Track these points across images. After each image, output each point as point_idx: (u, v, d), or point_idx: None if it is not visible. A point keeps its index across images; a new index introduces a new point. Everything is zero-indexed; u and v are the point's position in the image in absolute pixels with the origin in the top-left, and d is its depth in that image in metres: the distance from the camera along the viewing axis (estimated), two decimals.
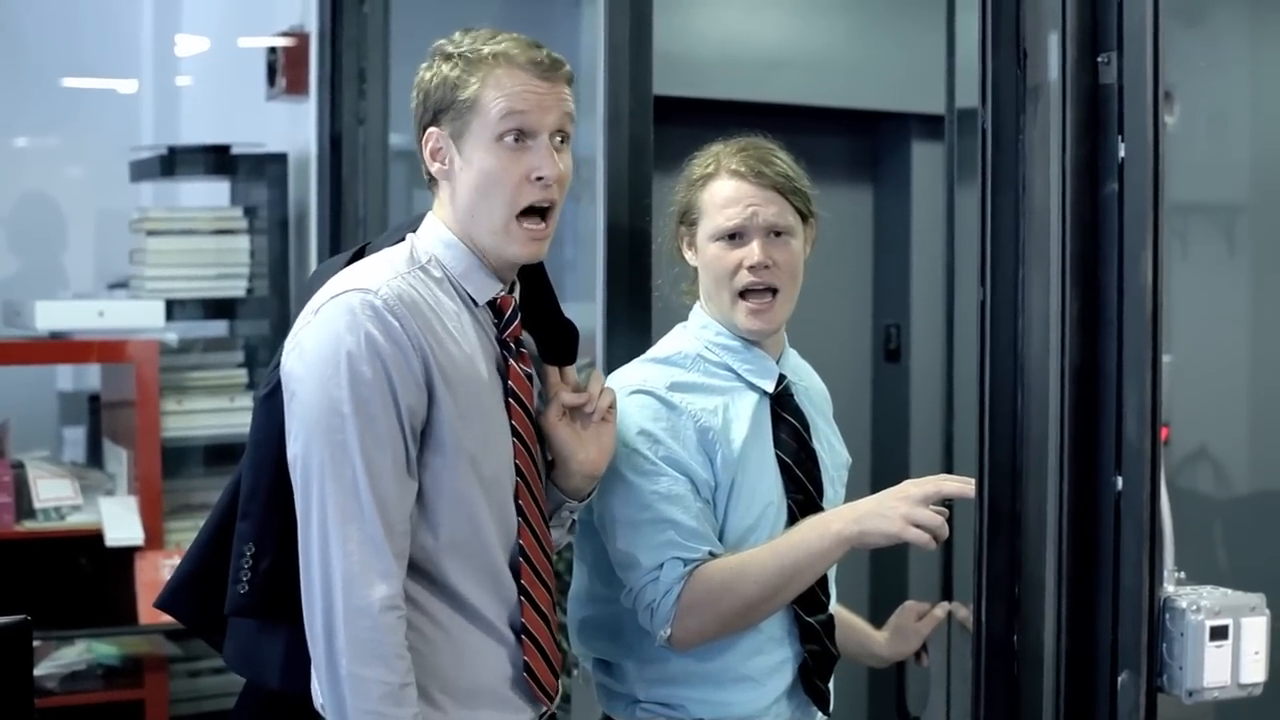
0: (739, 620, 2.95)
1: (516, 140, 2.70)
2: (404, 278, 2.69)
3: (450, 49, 2.76)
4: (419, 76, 2.79)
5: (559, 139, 2.75)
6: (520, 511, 2.76)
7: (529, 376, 2.81)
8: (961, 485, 2.81)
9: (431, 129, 2.76)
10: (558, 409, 2.85)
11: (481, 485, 2.70)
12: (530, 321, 2.89)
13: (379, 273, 2.69)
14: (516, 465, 2.76)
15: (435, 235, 2.78)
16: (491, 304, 2.79)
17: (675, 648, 2.94)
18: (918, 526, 2.82)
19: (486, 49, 2.73)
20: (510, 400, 2.77)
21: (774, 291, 3.05)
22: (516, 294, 2.84)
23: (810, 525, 2.94)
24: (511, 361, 2.78)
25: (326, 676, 2.60)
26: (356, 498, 2.59)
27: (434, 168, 2.77)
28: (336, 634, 2.58)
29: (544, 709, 2.83)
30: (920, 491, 2.84)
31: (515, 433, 2.76)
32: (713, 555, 2.94)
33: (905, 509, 2.83)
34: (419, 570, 2.68)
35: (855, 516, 2.88)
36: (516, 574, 2.76)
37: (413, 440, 2.64)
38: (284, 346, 2.71)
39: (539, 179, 2.70)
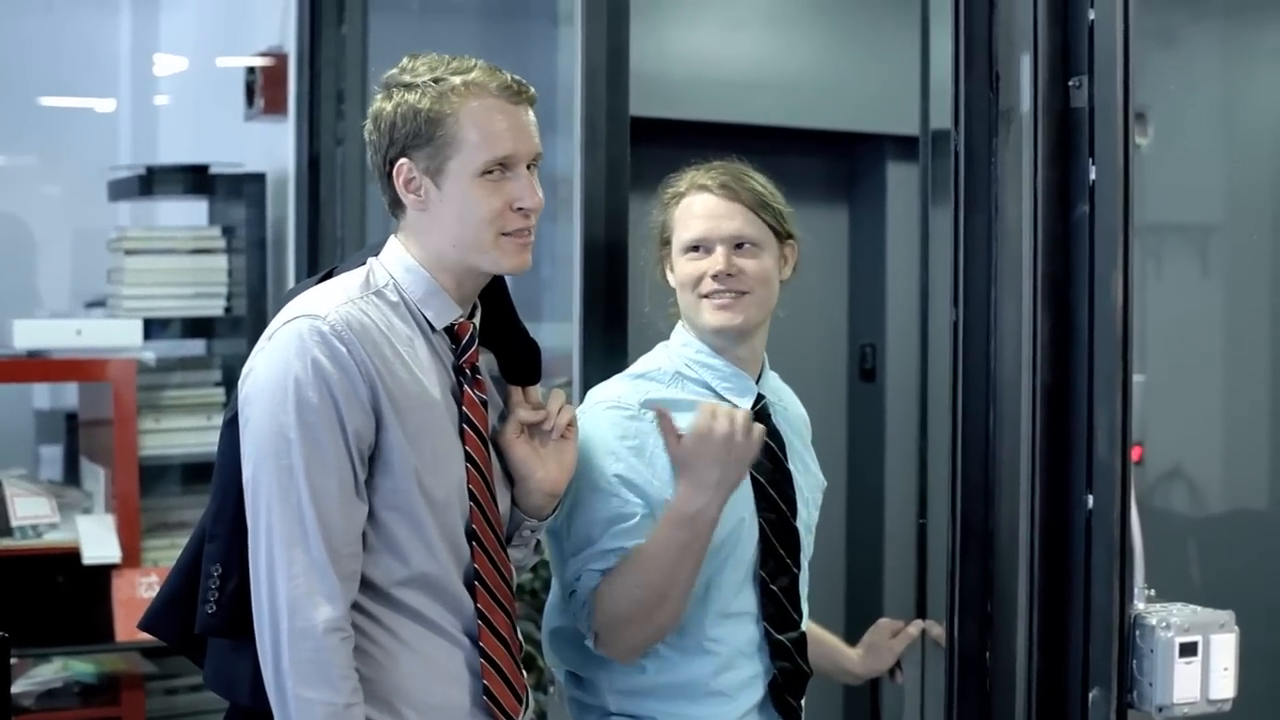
0: (649, 620, 2.93)
1: (497, 171, 2.71)
2: (355, 303, 2.70)
3: (409, 79, 2.73)
4: (377, 108, 2.75)
5: (532, 165, 2.76)
6: (475, 536, 2.77)
7: (483, 403, 2.82)
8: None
9: (403, 161, 2.73)
10: (515, 426, 2.86)
11: (431, 508, 2.71)
12: (493, 341, 2.90)
13: (330, 299, 2.70)
14: (470, 490, 2.76)
15: (397, 260, 2.78)
16: (449, 330, 2.80)
17: (619, 661, 2.96)
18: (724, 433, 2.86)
19: (455, 79, 2.71)
20: (464, 426, 2.78)
21: (741, 292, 3.06)
22: (477, 319, 2.85)
23: (670, 519, 2.95)
24: (466, 387, 2.79)
25: (275, 697, 2.62)
26: (301, 521, 2.61)
27: (408, 199, 2.75)
28: (282, 655, 2.60)
29: None
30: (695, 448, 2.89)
31: (469, 458, 2.77)
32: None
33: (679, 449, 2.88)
34: (378, 590, 2.70)
35: (685, 496, 2.89)
36: (473, 598, 2.78)
37: (361, 464, 2.65)
38: (242, 372, 2.73)
39: (520, 209, 2.72)
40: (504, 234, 2.72)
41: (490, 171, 2.70)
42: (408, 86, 2.73)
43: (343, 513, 2.62)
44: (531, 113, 2.76)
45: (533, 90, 2.77)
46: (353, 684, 2.61)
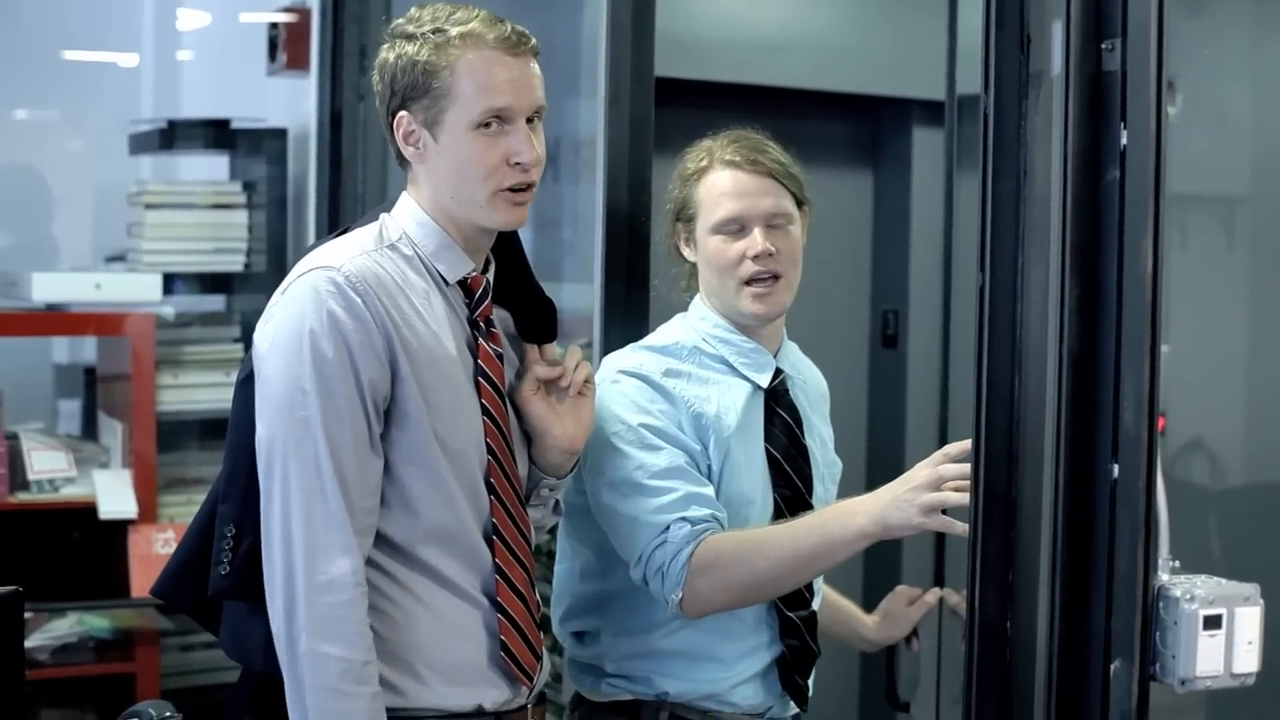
0: (748, 593, 2.94)
1: (493, 124, 2.69)
2: (370, 255, 2.69)
3: (411, 29, 2.74)
4: (381, 58, 2.77)
5: (534, 118, 2.74)
6: (493, 489, 2.76)
7: (499, 356, 2.80)
8: (960, 466, 2.79)
9: (402, 113, 2.74)
10: (532, 383, 2.85)
11: (449, 460, 2.70)
12: (509, 299, 2.88)
13: (345, 251, 2.70)
14: (488, 443, 2.75)
15: (408, 214, 2.78)
16: (462, 283, 2.78)
17: (685, 614, 2.93)
18: (941, 511, 2.81)
19: (454, 30, 2.70)
20: (480, 379, 2.76)
21: (777, 277, 3.05)
22: (490, 274, 2.84)
23: (834, 513, 2.93)
24: (481, 341, 2.77)
25: (286, 653, 2.60)
26: (318, 475, 2.59)
27: (408, 151, 2.76)
28: (297, 611, 2.59)
29: (525, 690, 2.82)
30: (928, 475, 2.82)
31: (485, 411, 2.76)
32: (717, 519, 2.93)
33: (921, 498, 2.81)
34: (396, 548, 2.69)
35: (877, 512, 2.85)
36: (491, 553, 2.76)
37: (376, 416, 2.64)
38: (257, 326, 2.72)
39: (518, 164, 2.70)
40: (501, 190, 2.70)
41: (487, 124, 2.68)
42: (409, 37, 2.73)
43: (359, 465, 2.61)
44: (534, 65, 2.75)
45: (534, 41, 2.75)
46: (368, 641, 2.60)
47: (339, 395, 2.60)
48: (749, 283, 3.03)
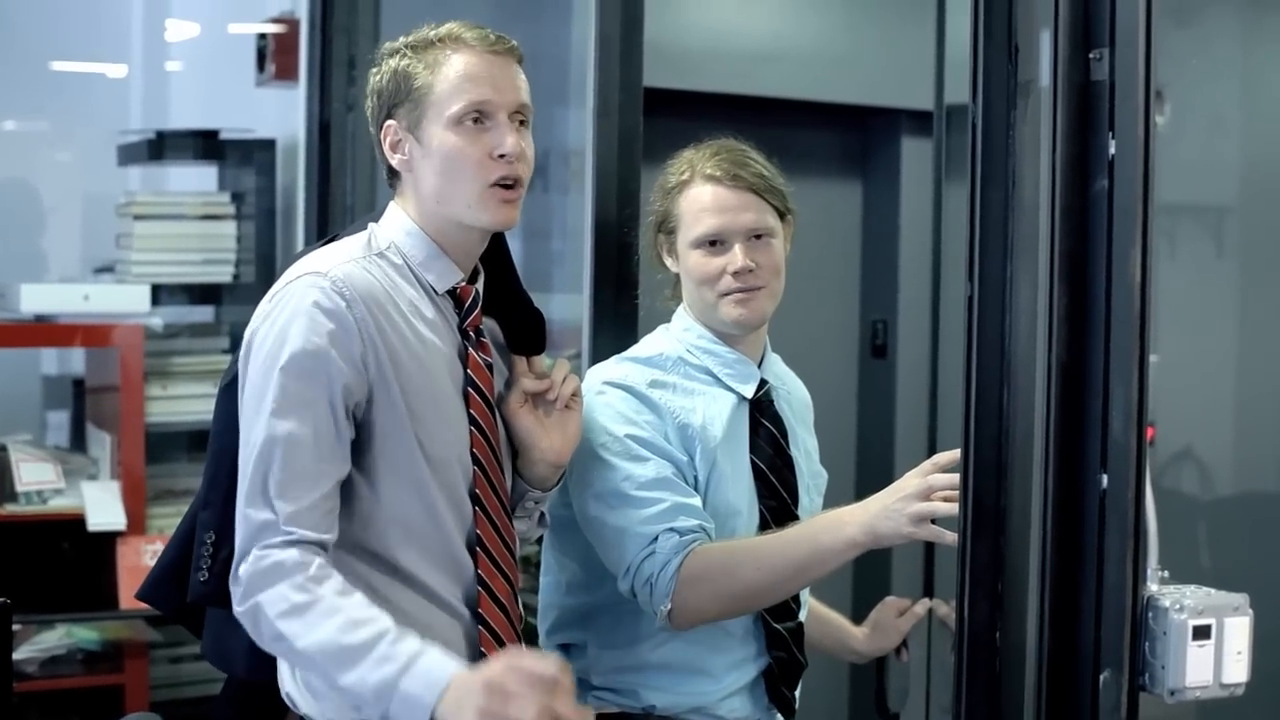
0: (737, 604, 2.94)
1: (475, 121, 2.70)
2: (358, 262, 2.69)
3: (396, 46, 2.78)
4: (370, 83, 2.80)
5: (518, 120, 2.74)
6: (477, 500, 2.75)
7: (489, 366, 2.80)
8: (950, 475, 2.78)
9: (389, 122, 2.76)
10: (519, 395, 2.85)
11: (432, 470, 2.69)
12: (497, 310, 2.88)
13: (334, 257, 2.70)
14: (474, 454, 2.74)
15: (396, 224, 2.78)
16: (451, 293, 2.78)
17: (674, 625, 2.93)
18: (930, 521, 2.80)
19: (432, 35, 2.75)
20: (469, 389, 2.76)
21: (758, 287, 3.04)
22: (480, 283, 2.83)
23: (824, 523, 2.92)
24: (471, 350, 2.77)
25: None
26: (266, 474, 2.57)
27: (395, 160, 2.77)
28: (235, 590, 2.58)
29: None
30: (917, 485, 2.82)
31: (473, 421, 2.75)
32: (705, 530, 2.93)
33: (911, 507, 2.80)
34: (377, 557, 2.68)
35: (866, 521, 2.84)
36: (474, 563, 2.75)
37: (348, 422, 2.63)
38: (245, 331, 2.72)
39: (501, 156, 2.70)
40: (489, 186, 2.70)
41: (469, 119, 2.69)
42: (393, 53, 2.78)
43: (316, 469, 2.58)
44: (516, 67, 2.77)
45: (514, 43, 2.78)
46: (285, 594, 2.54)
47: (311, 402, 2.59)
48: (729, 292, 3.03)
